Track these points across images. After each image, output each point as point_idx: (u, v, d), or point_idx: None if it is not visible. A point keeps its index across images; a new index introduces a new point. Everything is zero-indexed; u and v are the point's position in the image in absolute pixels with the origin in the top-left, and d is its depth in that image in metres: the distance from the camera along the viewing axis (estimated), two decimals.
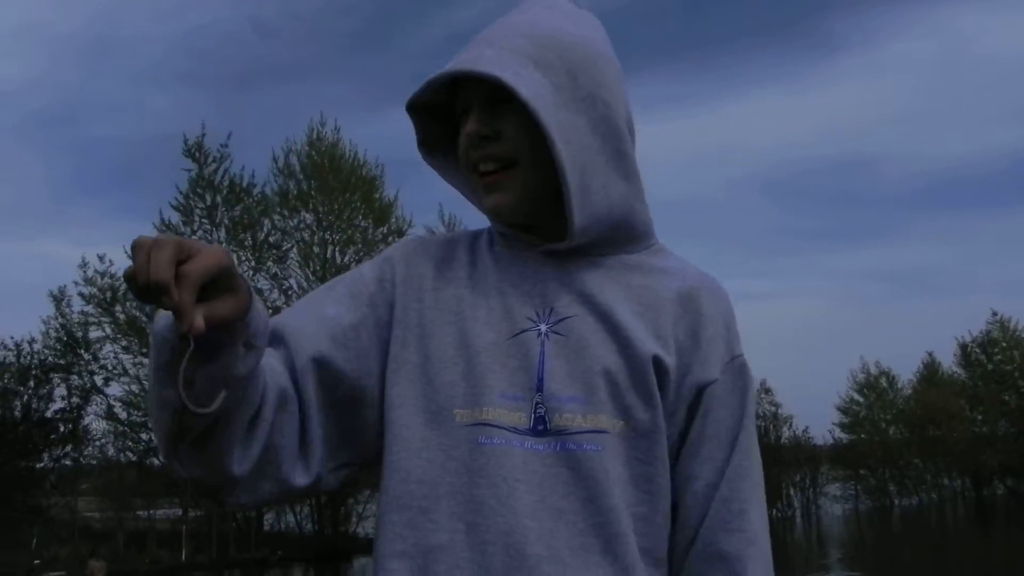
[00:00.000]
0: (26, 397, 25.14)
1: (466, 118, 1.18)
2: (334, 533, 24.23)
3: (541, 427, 1.10)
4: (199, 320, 0.89)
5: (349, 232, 26.40)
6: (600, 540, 1.07)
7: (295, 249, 26.51)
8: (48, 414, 25.49)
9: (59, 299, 25.13)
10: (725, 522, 1.12)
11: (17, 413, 24.91)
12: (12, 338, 25.76)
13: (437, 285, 1.21)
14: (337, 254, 26.15)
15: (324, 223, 26.13)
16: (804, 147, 66.63)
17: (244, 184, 25.76)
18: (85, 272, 24.59)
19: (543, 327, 1.15)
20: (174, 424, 1.00)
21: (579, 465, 1.09)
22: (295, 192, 26.22)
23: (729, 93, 68.09)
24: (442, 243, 1.27)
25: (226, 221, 25.60)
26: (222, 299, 0.93)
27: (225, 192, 25.54)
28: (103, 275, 24.56)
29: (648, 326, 1.15)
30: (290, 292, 25.62)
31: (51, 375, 25.56)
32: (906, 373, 42.75)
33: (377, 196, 26.77)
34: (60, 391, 25.61)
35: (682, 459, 1.15)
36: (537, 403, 1.11)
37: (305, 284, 25.55)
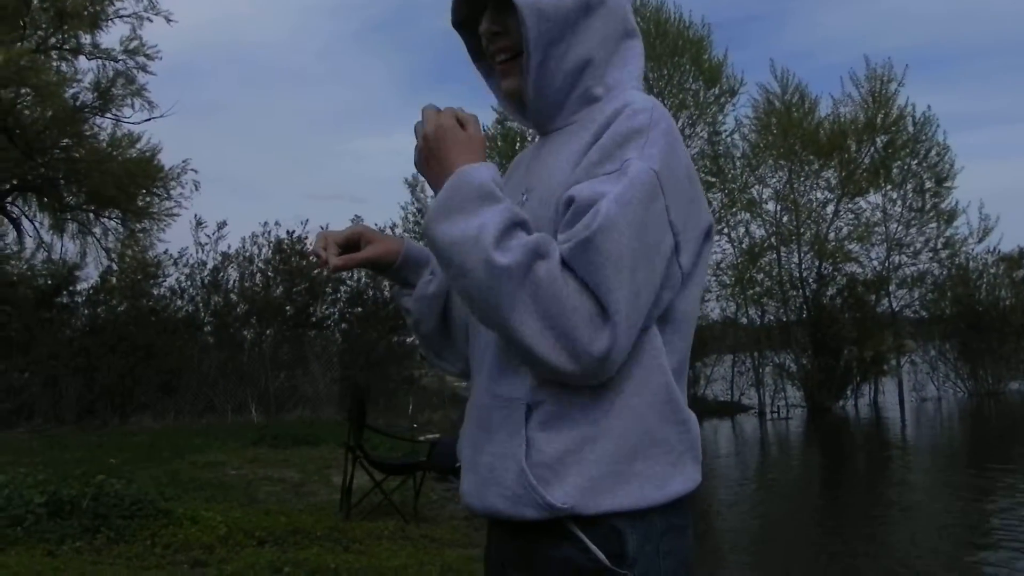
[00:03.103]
0: None
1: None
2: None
3: None
4: (333, 261, 1.46)
5: (681, 96, 25.99)
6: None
7: None
8: None
9: (413, 185, 26.67)
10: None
11: (387, 293, 27.28)
12: (376, 224, 27.96)
13: None
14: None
15: (655, 89, 25.88)
16: None
17: None
18: None
19: (523, 199, 1.35)
20: (416, 335, 1.63)
21: None
22: None
23: None
24: None
25: None
26: (361, 251, 1.52)
27: None
28: None
29: (580, 172, 1.25)
30: None
31: None
32: None
33: (706, 57, 26.03)
34: None
35: None
36: None
37: None
